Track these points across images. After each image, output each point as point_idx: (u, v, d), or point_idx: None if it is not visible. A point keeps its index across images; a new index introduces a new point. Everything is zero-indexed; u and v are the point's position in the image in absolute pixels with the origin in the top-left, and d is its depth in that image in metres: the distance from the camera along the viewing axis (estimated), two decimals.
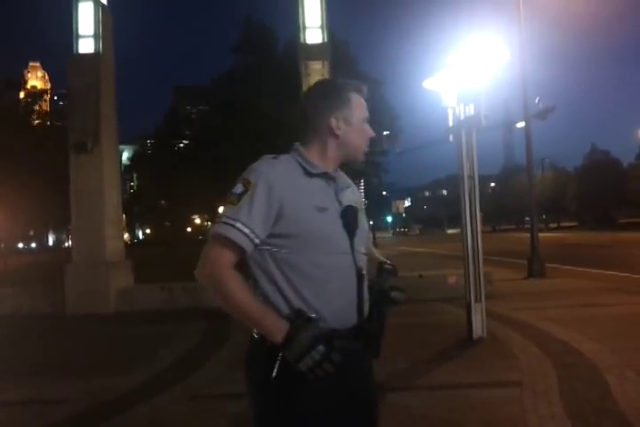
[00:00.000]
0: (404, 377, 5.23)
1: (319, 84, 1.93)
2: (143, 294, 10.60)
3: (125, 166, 50.12)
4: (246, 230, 1.64)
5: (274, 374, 1.61)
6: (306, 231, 1.67)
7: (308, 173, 1.74)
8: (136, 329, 8.53)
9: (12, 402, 4.97)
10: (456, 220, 7.58)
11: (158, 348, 6.96)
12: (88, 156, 10.92)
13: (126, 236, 58.09)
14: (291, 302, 1.65)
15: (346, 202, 1.77)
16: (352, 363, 1.68)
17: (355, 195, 1.87)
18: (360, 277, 1.74)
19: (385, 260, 2.00)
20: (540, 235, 14.84)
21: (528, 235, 14.45)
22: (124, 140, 60.80)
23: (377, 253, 2.07)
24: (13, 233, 46.27)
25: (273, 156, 1.77)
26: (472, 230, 6.83)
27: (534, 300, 9.85)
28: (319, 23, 11.42)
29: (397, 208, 58.24)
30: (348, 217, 1.74)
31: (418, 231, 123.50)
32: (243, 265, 1.72)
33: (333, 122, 1.79)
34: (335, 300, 1.68)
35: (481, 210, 7.02)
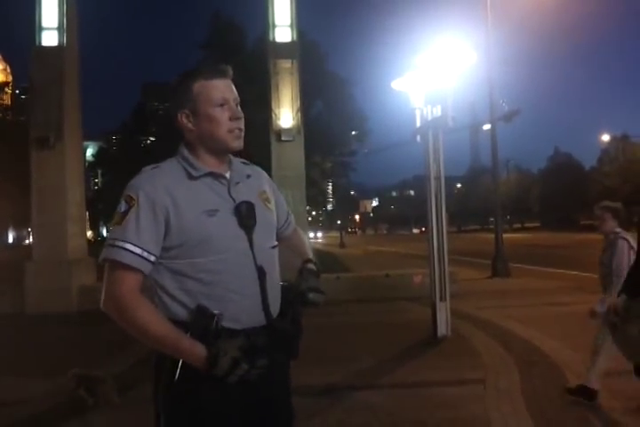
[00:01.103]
0: (369, 376, 5.25)
1: (171, 82, 1.79)
2: None
3: (90, 163, 49.13)
4: (138, 250, 1.57)
5: (176, 377, 1.58)
6: (196, 238, 1.60)
7: (192, 177, 1.67)
8: (99, 328, 8.35)
9: None
10: (423, 220, 7.66)
11: (121, 347, 6.84)
12: (50, 151, 10.68)
13: (90, 233, 57.03)
14: (189, 309, 1.61)
15: (241, 197, 1.69)
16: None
17: (252, 186, 1.77)
18: (261, 274, 1.66)
19: (310, 257, 1.92)
20: (504, 235, 15.09)
21: (493, 235, 14.67)
22: (89, 137, 59.63)
23: (306, 248, 1.97)
24: None
25: (153, 166, 1.70)
26: (438, 230, 6.90)
27: (498, 299, 10.01)
28: (289, 22, 11.39)
29: (365, 208, 58.47)
30: (242, 214, 1.66)
31: (385, 231, 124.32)
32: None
33: (180, 117, 1.70)
34: (235, 301, 1.62)
35: (447, 210, 7.10)
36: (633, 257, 4.25)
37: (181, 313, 1.62)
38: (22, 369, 5.94)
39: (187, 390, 1.60)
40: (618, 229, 4.37)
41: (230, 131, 1.70)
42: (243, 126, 1.73)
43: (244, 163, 1.82)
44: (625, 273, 4.22)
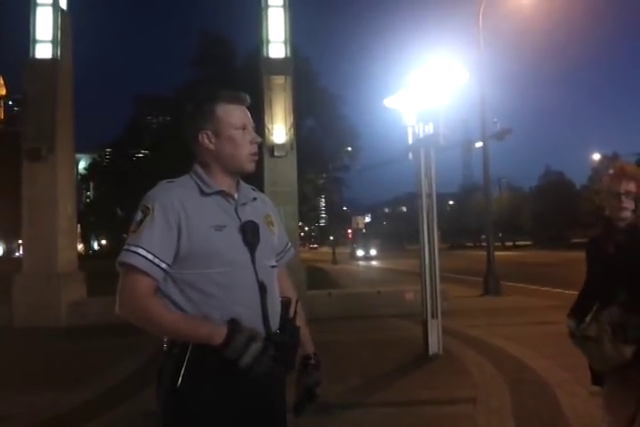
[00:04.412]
0: (359, 394, 5.20)
1: (187, 102, 1.88)
2: (96, 307, 10.22)
3: (82, 176, 48.96)
4: (149, 256, 1.65)
5: (178, 384, 1.65)
6: (203, 250, 1.69)
7: (204, 193, 1.76)
8: (87, 343, 8.28)
9: None
10: (415, 236, 7.67)
11: (110, 362, 6.76)
12: (42, 163, 10.63)
13: (81, 247, 56.61)
14: None
15: (246, 217, 1.78)
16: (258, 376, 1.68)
17: (258, 208, 1.87)
18: (262, 289, 1.74)
19: (311, 353, 1.93)
20: (496, 253, 15.11)
21: (484, 253, 14.67)
22: (82, 150, 59.51)
23: (303, 322, 1.92)
24: None
25: (168, 180, 1.80)
26: (429, 247, 6.90)
27: (489, 317, 9.99)
28: (283, 38, 11.46)
29: (358, 224, 58.50)
30: (247, 232, 1.75)
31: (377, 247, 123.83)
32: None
33: (201, 137, 1.79)
34: (237, 313, 1.68)
35: (439, 228, 7.10)
36: None
37: None
38: (7, 383, 5.84)
39: (188, 395, 1.66)
40: None
41: (250, 154, 1.82)
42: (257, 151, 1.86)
43: (252, 189, 1.92)
44: None
